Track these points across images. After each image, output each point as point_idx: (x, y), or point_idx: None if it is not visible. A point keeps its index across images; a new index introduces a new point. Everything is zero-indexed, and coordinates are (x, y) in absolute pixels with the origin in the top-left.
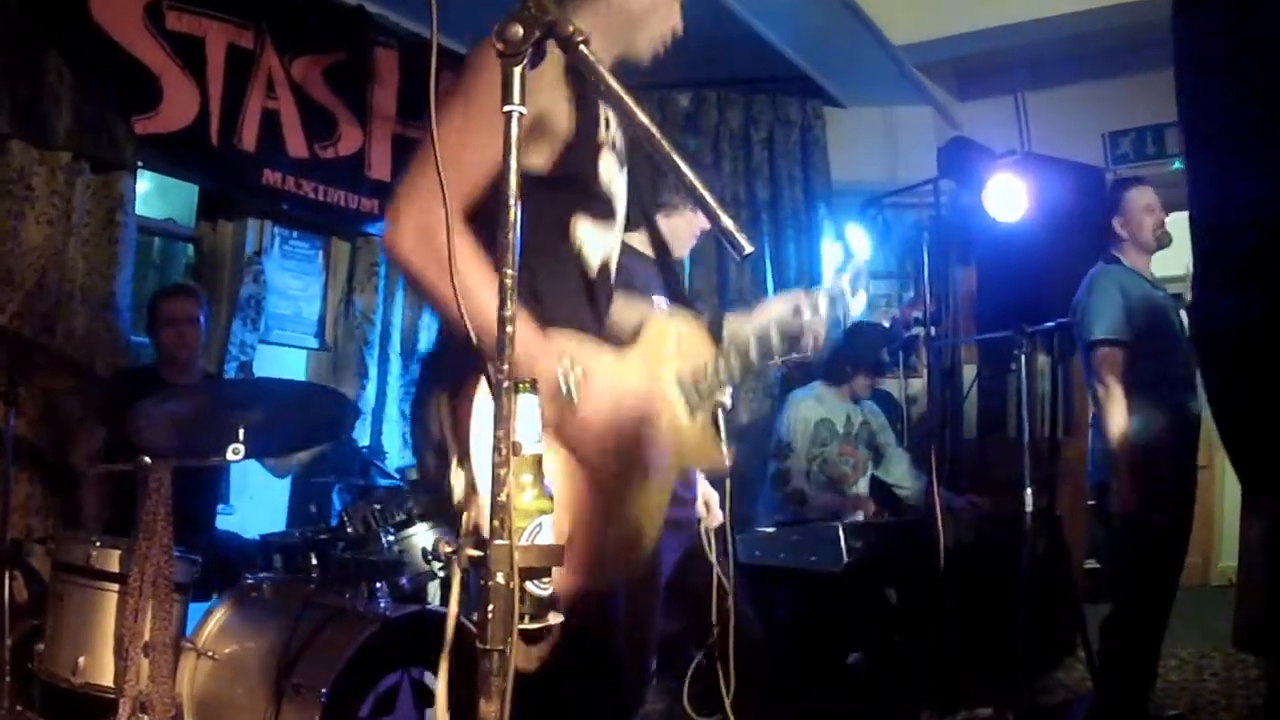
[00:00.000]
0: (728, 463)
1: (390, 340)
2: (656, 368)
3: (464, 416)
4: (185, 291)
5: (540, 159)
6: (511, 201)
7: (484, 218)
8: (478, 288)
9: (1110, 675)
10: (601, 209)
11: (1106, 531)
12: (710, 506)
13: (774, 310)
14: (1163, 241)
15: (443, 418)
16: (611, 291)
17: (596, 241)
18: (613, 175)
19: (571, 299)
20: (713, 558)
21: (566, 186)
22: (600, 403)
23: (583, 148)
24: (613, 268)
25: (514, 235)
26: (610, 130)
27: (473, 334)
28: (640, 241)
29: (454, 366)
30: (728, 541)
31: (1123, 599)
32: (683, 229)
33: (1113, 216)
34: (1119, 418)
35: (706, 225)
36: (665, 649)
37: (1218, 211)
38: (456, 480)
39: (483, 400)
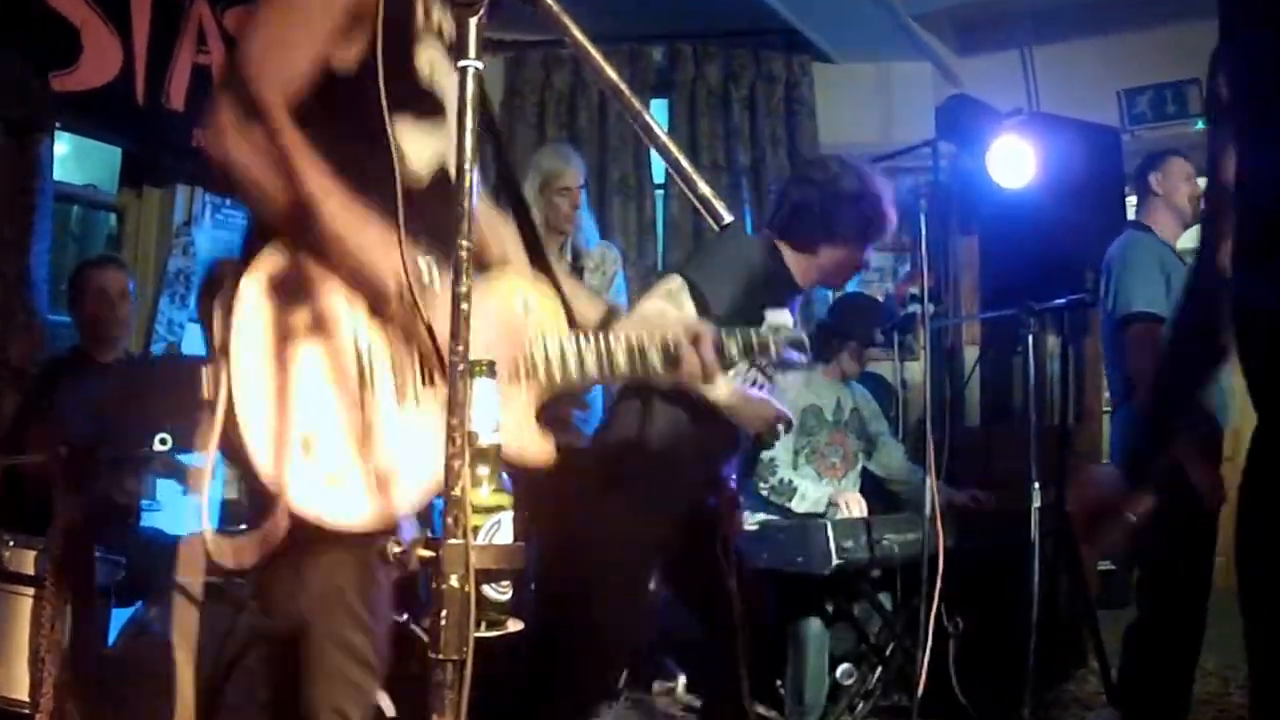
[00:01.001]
0: (544, 458)
1: None
2: (489, 320)
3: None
4: (115, 263)
5: (351, 53)
6: (466, 167)
7: (305, 115)
8: (311, 182)
9: (1135, 694)
10: (424, 106)
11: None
12: (732, 513)
13: (669, 324)
14: (1195, 213)
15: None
16: (458, 204)
17: (420, 144)
18: (437, 69)
19: (389, 214)
20: (727, 565)
21: (376, 82)
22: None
23: (395, 36)
24: (455, 176)
25: (470, 203)
26: (434, 18)
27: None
28: (795, 264)
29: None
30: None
31: (1154, 605)
32: (845, 261)
33: (1149, 173)
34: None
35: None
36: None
37: (1261, 179)
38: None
39: (253, 292)
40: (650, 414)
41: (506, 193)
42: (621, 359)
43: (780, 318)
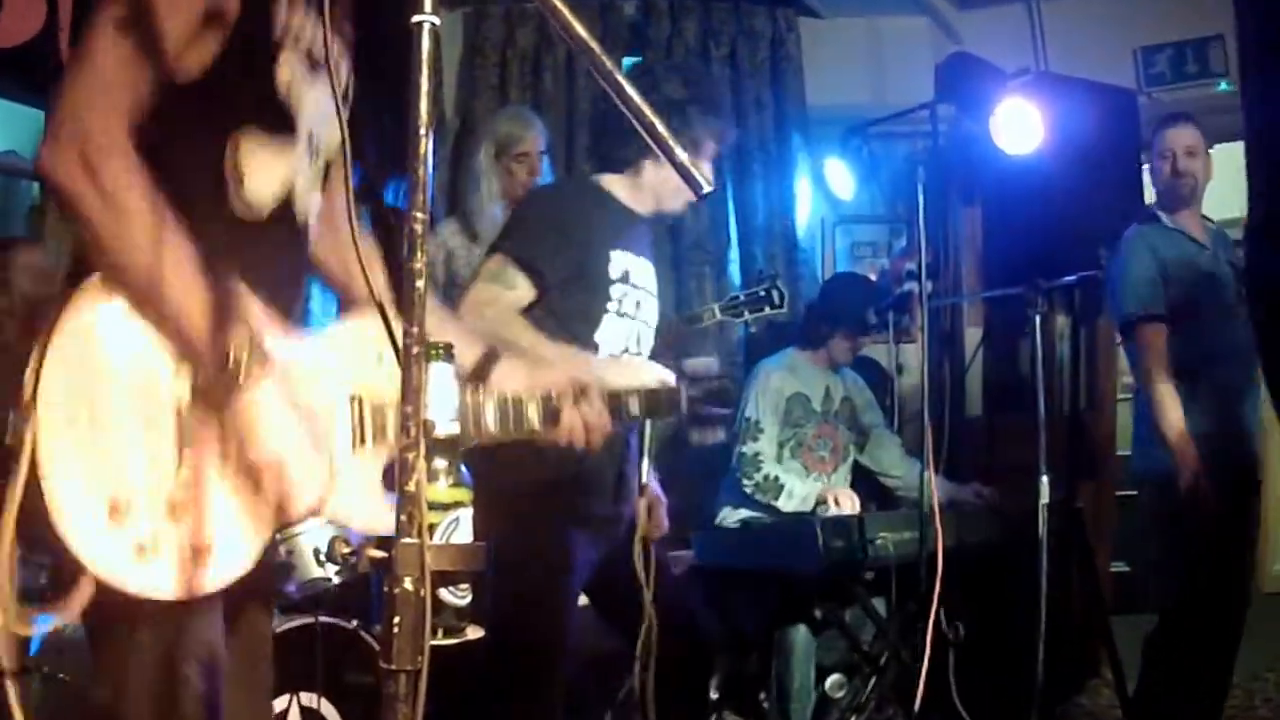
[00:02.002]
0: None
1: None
2: (335, 370)
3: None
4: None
5: (196, 59)
6: (422, 132)
7: (147, 139)
8: (131, 221)
9: (1158, 709)
10: (276, 122)
11: (1160, 530)
12: (654, 513)
13: (551, 376)
14: (1182, 193)
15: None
16: (299, 236)
17: (267, 166)
18: (295, 82)
19: (221, 244)
20: (644, 574)
21: (224, 93)
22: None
23: (251, 41)
24: (305, 206)
25: (424, 171)
26: (295, 25)
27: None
28: (624, 191)
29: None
30: (650, 555)
31: (1181, 611)
32: (678, 179)
33: (1150, 166)
34: (1171, 409)
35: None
36: (600, 669)
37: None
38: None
39: (70, 339)
40: None
41: (378, 226)
42: (491, 419)
43: (700, 363)
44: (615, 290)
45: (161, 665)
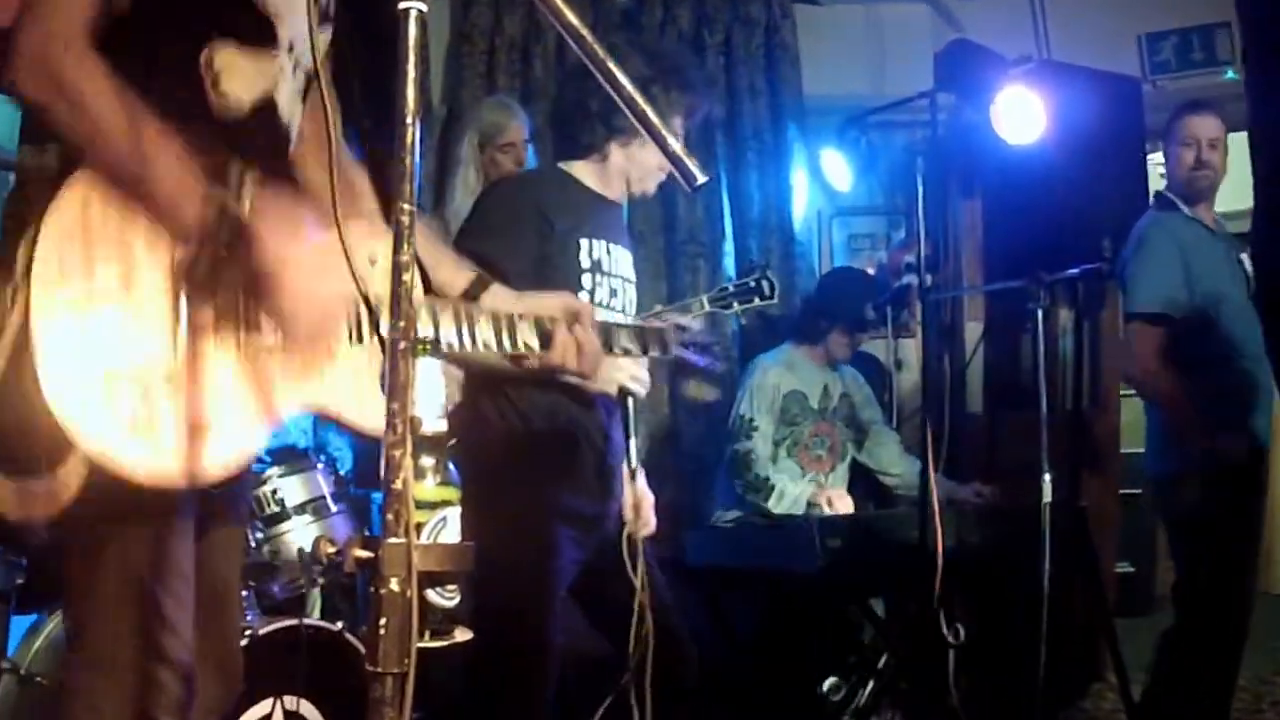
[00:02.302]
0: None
1: None
2: (330, 269)
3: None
4: None
5: None
6: (409, 120)
7: (119, 44)
8: (103, 122)
9: (1168, 710)
10: (255, 33)
11: (1172, 530)
12: (641, 509)
13: (545, 304)
14: (1201, 185)
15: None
16: (282, 140)
17: (246, 76)
18: None
19: (203, 141)
20: (633, 572)
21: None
22: (275, 250)
23: None
24: (285, 111)
25: (411, 161)
26: None
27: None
28: (592, 177)
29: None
30: (639, 550)
31: (1194, 613)
32: (647, 160)
33: (1165, 152)
34: (1174, 397)
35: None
36: (589, 669)
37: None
38: None
39: (69, 211)
40: (506, 397)
41: (367, 140)
42: (486, 330)
43: (684, 318)
44: (586, 280)
45: (130, 585)
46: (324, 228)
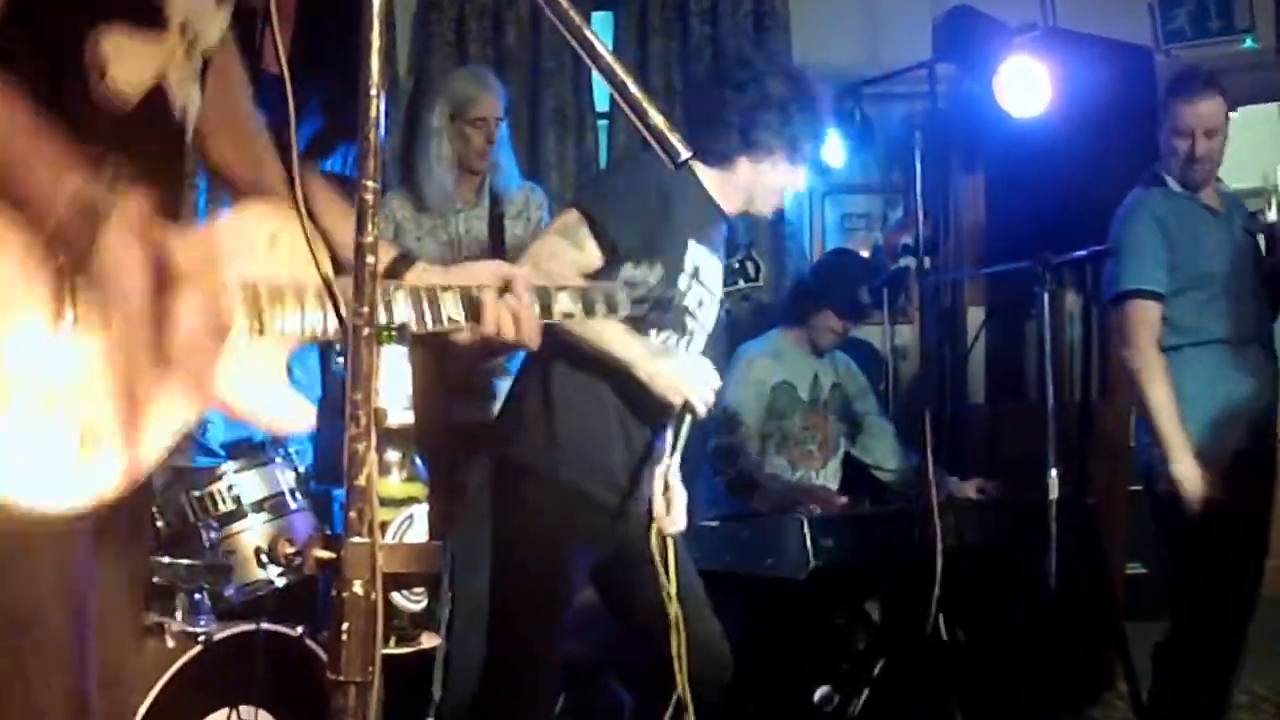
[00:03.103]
0: (301, 425)
1: None
2: (218, 254)
3: None
4: None
5: None
6: (373, 93)
7: None
8: None
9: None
10: (143, 14)
11: (1160, 527)
12: (672, 505)
13: (474, 272)
14: (1197, 178)
15: None
16: (175, 127)
17: (134, 60)
18: None
19: (88, 134)
20: (665, 576)
21: None
22: (122, 254)
23: None
24: (182, 98)
25: (376, 136)
26: None
27: None
28: (714, 185)
29: None
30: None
31: (1185, 617)
32: (772, 180)
33: (1159, 127)
34: (1160, 390)
35: (799, 184)
36: (571, 678)
37: None
38: None
39: None
40: (555, 382)
41: (261, 98)
42: (401, 306)
43: (637, 272)
44: (683, 280)
45: (24, 604)
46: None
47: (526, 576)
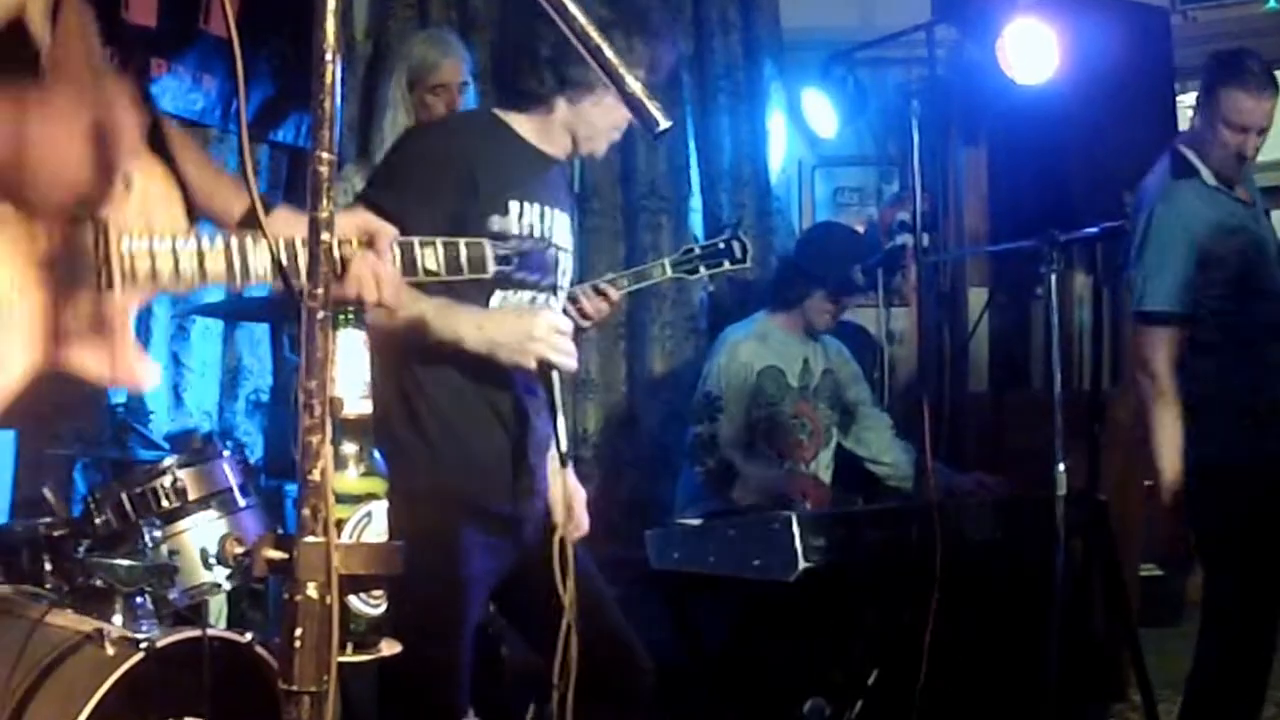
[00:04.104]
0: (140, 383)
1: None
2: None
3: None
4: None
5: None
6: (328, 58)
7: None
8: None
9: None
10: None
11: (1194, 529)
12: (573, 510)
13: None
14: (1236, 174)
15: None
16: (35, 60)
17: None
18: None
19: None
20: (562, 583)
21: None
22: None
23: None
24: (37, 30)
25: (331, 105)
26: None
27: None
28: (532, 131)
29: None
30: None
31: (1216, 626)
32: (599, 119)
33: (1202, 93)
34: (1169, 422)
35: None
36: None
37: None
38: None
39: None
40: (412, 386)
41: (115, 44)
42: (255, 260)
43: (504, 223)
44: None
45: None
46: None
47: (415, 598)
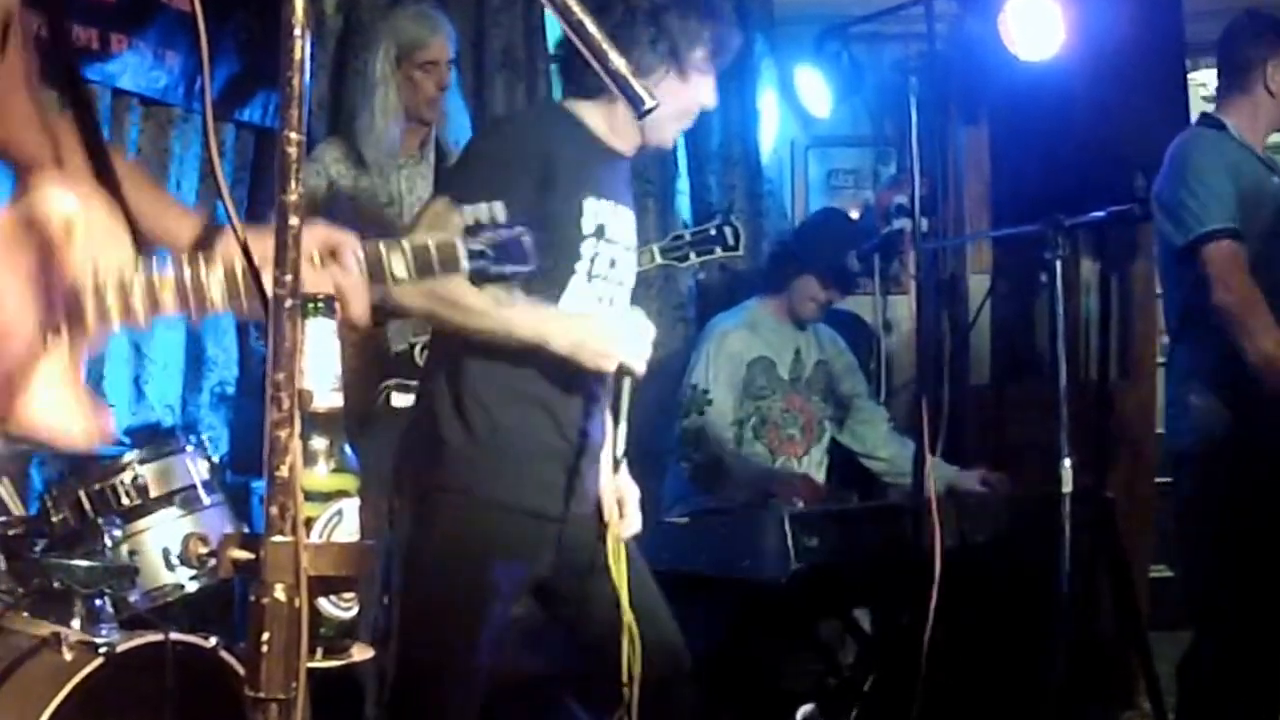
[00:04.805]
0: (93, 441)
1: None
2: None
3: None
4: None
5: None
6: (297, 32)
7: None
8: None
9: None
10: None
11: (1182, 526)
12: (624, 507)
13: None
14: (1265, 138)
15: None
16: (287, 83)
17: None
18: None
19: None
20: (619, 581)
21: None
22: None
23: None
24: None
25: (300, 82)
26: None
27: None
28: (601, 123)
29: None
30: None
31: (1212, 625)
32: (669, 105)
33: (1263, 56)
34: (1266, 330)
35: (705, 100)
36: (525, 695)
37: None
38: None
39: None
40: (466, 380)
41: (58, 67)
42: (216, 289)
43: (480, 210)
44: (586, 247)
45: None
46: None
47: (438, 598)
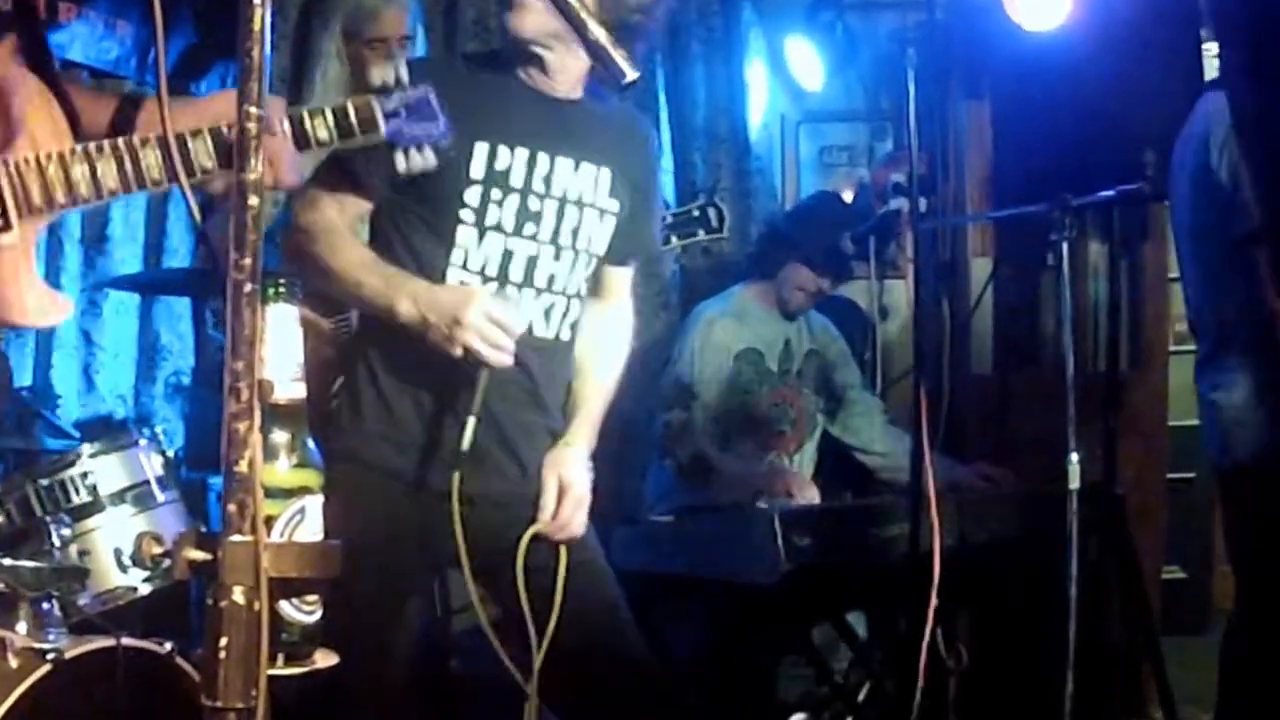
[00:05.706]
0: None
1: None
2: None
3: None
4: None
5: None
6: (256, 3)
7: None
8: None
9: None
10: None
11: (1229, 518)
12: (562, 505)
13: (217, 106)
14: None
15: None
16: (247, 54)
17: None
18: None
19: None
20: (521, 585)
21: None
22: None
23: None
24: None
25: (260, 54)
26: None
27: None
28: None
29: None
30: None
31: (1256, 626)
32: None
33: None
34: None
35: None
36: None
37: None
38: None
39: None
40: (361, 364)
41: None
42: (152, 159)
43: (385, 71)
44: (473, 195)
45: None
46: None
47: (343, 596)
